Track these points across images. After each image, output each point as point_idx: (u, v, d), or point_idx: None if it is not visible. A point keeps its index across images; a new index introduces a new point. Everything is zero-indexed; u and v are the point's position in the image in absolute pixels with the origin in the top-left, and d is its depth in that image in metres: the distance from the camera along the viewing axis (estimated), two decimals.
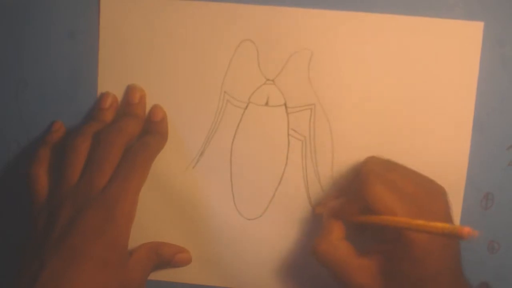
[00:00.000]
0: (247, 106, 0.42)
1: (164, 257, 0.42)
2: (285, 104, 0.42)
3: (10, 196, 0.45)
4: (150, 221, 0.44)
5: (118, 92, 0.43)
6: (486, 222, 0.42)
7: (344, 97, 0.41)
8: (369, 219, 0.36)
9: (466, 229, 0.29)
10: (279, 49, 0.42)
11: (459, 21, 0.40)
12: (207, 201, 0.43)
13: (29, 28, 0.43)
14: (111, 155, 0.39)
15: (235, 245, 0.44)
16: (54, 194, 0.39)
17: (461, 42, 0.40)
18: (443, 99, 0.41)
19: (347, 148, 0.42)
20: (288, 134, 0.42)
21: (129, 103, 0.42)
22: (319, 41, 0.41)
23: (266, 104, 0.42)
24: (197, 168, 0.43)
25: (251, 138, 0.43)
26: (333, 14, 0.41)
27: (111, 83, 0.43)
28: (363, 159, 0.41)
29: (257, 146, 0.43)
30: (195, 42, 0.42)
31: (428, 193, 0.37)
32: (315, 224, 0.42)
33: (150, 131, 0.42)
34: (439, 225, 0.31)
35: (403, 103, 0.41)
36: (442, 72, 0.41)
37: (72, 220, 0.37)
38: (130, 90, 0.43)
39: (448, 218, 0.36)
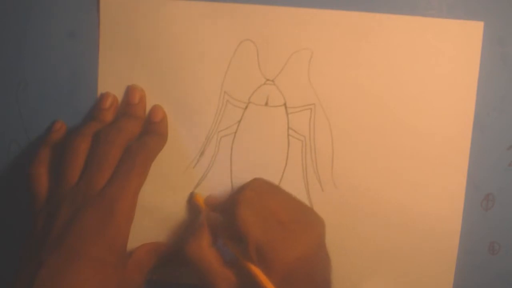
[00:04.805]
0: (247, 106, 0.42)
1: (164, 258, 0.42)
2: (285, 104, 0.42)
3: (10, 196, 0.45)
4: (149, 221, 0.43)
5: (118, 92, 0.43)
6: (486, 223, 0.42)
7: (344, 97, 0.41)
8: (236, 254, 0.37)
9: None
10: (279, 49, 0.42)
11: (459, 21, 0.40)
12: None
13: (29, 28, 0.43)
14: (111, 155, 0.39)
15: None
16: (54, 194, 0.39)
17: (461, 42, 0.40)
18: (443, 99, 0.41)
19: (347, 148, 0.42)
20: (288, 134, 0.42)
21: (129, 103, 0.42)
22: (319, 41, 0.41)
23: (266, 104, 0.42)
24: (197, 168, 0.43)
25: (251, 138, 0.42)
26: (333, 14, 0.41)
27: (111, 83, 0.43)
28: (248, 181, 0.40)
29: (257, 146, 0.43)
30: (195, 42, 0.42)
31: (303, 222, 0.38)
32: None
33: (150, 131, 0.42)
34: None
35: (403, 103, 0.41)
36: (442, 72, 0.41)
37: (71, 220, 0.37)
38: (130, 91, 0.43)
39: (319, 249, 0.37)
